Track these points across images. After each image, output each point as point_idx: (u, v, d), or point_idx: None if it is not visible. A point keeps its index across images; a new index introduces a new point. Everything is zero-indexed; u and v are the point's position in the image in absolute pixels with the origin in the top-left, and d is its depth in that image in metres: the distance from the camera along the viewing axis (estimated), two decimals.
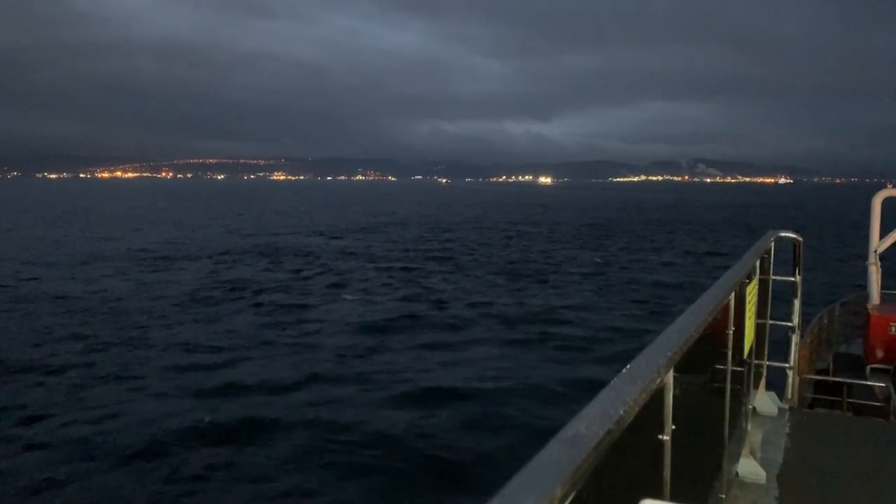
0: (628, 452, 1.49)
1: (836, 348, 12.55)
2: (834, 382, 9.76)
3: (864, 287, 12.66)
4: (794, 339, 5.87)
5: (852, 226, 60.54)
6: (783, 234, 5.41)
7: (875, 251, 11.90)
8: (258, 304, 23.98)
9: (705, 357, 2.79)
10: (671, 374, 1.86)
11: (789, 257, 5.81)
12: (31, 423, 12.49)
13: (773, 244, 5.13)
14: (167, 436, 11.82)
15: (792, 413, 5.54)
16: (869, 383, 9.59)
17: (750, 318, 4.23)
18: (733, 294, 3.24)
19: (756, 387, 5.20)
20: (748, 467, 4.26)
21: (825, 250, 43.29)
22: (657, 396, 1.73)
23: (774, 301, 5.43)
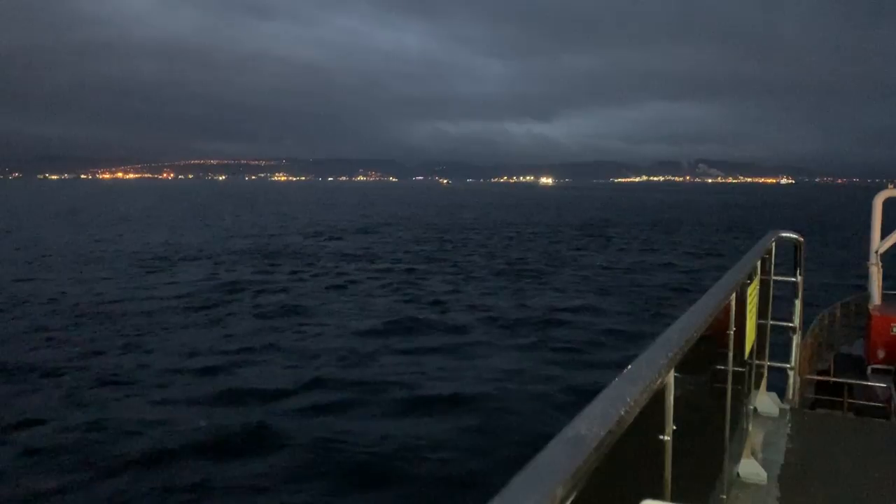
0: (629, 453, 1.49)
1: (838, 349, 12.55)
2: (835, 383, 9.74)
3: (865, 288, 12.66)
4: (796, 339, 5.86)
5: (853, 226, 60.46)
6: (784, 235, 5.40)
7: (876, 251, 11.89)
8: (257, 307, 23.82)
9: (706, 357, 2.79)
10: (672, 374, 1.86)
11: (790, 258, 5.81)
12: (24, 428, 12.29)
13: (773, 244, 5.12)
14: (163, 442, 11.63)
15: (793, 413, 5.54)
16: (870, 384, 9.59)
17: (751, 319, 4.23)
18: (734, 294, 3.24)
19: (757, 387, 5.19)
20: (749, 468, 4.26)
21: (826, 251, 43.24)
22: (658, 397, 1.73)
23: (775, 301, 5.42)
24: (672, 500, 1.95)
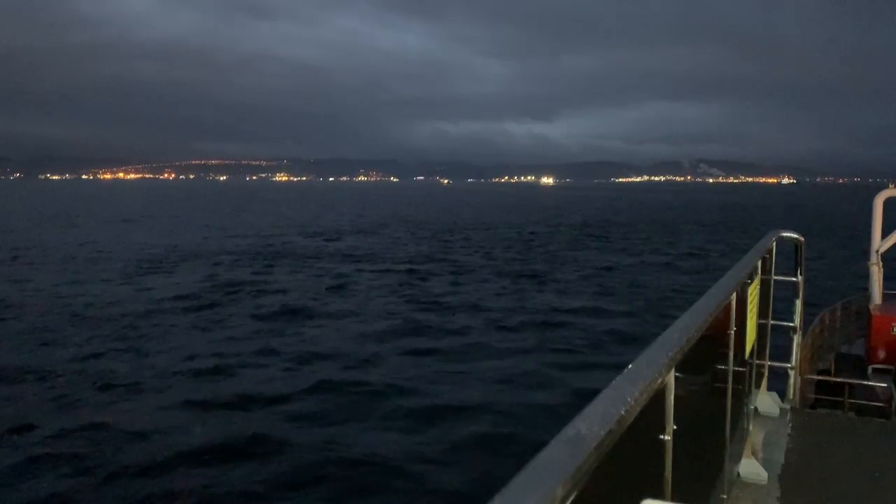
0: (629, 452, 1.49)
1: (838, 349, 12.55)
2: (836, 383, 9.75)
3: (865, 287, 12.66)
4: (796, 339, 5.86)
5: (854, 226, 60.42)
6: (785, 234, 5.40)
7: (877, 251, 11.91)
8: (255, 309, 23.60)
9: (707, 357, 2.79)
10: (672, 374, 1.86)
11: (791, 257, 5.81)
12: (16, 433, 12.07)
13: (774, 244, 5.12)
14: (158, 447, 11.39)
15: (794, 413, 5.54)
16: (871, 384, 9.58)
17: (751, 319, 4.23)
18: (735, 294, 3.24)
19: (758, 387, 5.19)
20: (750, 468, 4.26)
21: (827, 251, 43.21)
22: (658, 396, 1.73)
23: (776, 301, 5.42)
24: (672, 500, 1.95)
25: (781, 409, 5.52)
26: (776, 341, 5.56)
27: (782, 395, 5.72)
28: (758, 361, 4.92)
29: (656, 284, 29.93)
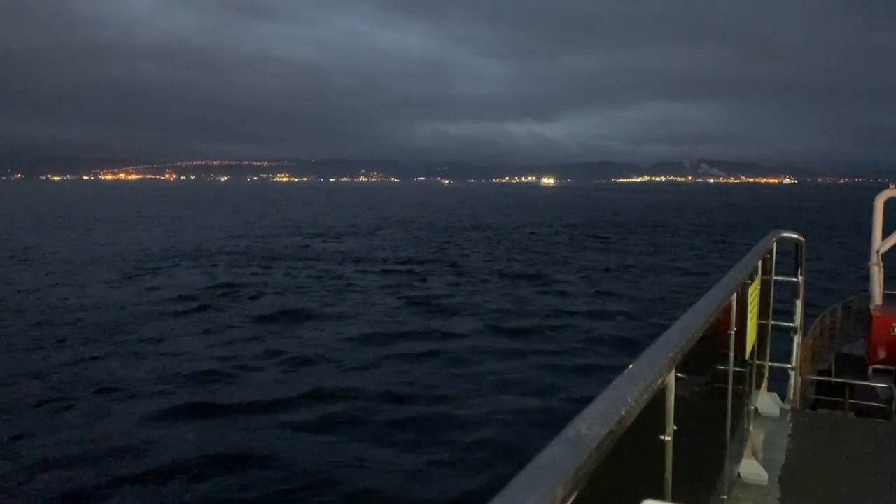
0: (630, 453, 1.49)
1: (839, 349, 12.54)
2: (836, 383, 9.75)
3: (866, 288, 12.66)
4: (797, 339, 5.86)
5: (855, 226, 60.40)
6: (785, 235, 5.40)
7: (877, 252, 11.90)
8: (252, 311, 23.30)
9: (707, 357, 2.79)
10: (673, 374, 1.87)
11: (791, 258, 5.81)
12: (6, 439, 11.88)
13: (774, 244, 5.12)
14: (148, 456, 11.16)
15: (794, 414, 5.54)
16: (871, 384, 9.59)
17: (752, 319, 4.23)
18: (735, 294, 3.24)
19: (758, 387, 5.20)
20: (750, 468, 4.27)
21: (828, 251, 43.20)
22: (659, 397, 1.74)
23: (776, 301, 5.42)
24: (673, 501, 1.96)
25: (782, 409, 5.52)
26: (776, 342, 5.56)
27: (783, 395, 5.73)
28: (758, 362, 4.93)
29: (656, 285, 29.90)
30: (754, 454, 4.46)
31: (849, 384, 9.36)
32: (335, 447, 11.85)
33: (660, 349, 1.77)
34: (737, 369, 3.59)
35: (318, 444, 11.97)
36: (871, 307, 11.40)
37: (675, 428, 1.94)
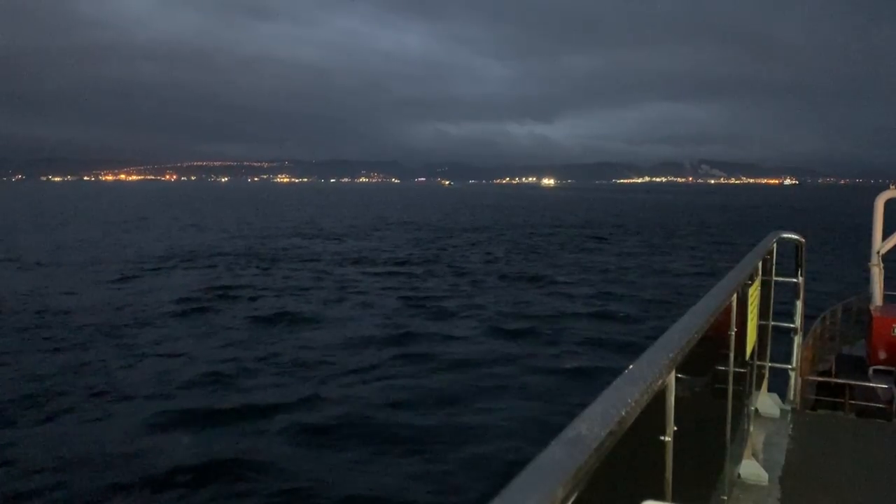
0: (630, 453, 1.49)
1: (839, 350, 12.54)
2: (836, 384, 9.75)
3: (866, 289, 12.66)
4: (797, 340, 5.86)
5: (855, 227, 60.36)
6: (785, 235, 5.40)
7: (878, 252, 11.91)
8: (250, 313, 23.15)
9: (707, 358, 2.79)
10: (673, 375, 1.87)
11: (791, 258, 5.81)
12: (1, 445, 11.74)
13: (775, 245, 5.12)
14: (142, 462, 10.96)
15: (794, 414, 5.54)
16: (872, 385, 9.59)
17: (752, 320, 4.23)
18: (735, 295, 3.24)
19: (758, 388, 5.20)
20: (750, 469, 4.27)
21: (828, 251, 43.19)
22: (659, 397, 1.74)
23: (776, 302, 5.42)
24: (673, 501, 1.96)
25: (782, 410, 5.52)
26: (777, 342, 5.56)
27: (783, 396, 5.73)
28: (758, 362, 4.92)
29: (656, 286, 29.90)
30: (754, 455, 4.46)
31: (849, 385, 9.36)
32: (333, 451, 11.75)
33: (660, 350, 1.77)
34: (737, 370, 3.58)
35: (315, 448, 11.87)
36: (872, 308, 11.40)
37: (676, 429, 1.94)
